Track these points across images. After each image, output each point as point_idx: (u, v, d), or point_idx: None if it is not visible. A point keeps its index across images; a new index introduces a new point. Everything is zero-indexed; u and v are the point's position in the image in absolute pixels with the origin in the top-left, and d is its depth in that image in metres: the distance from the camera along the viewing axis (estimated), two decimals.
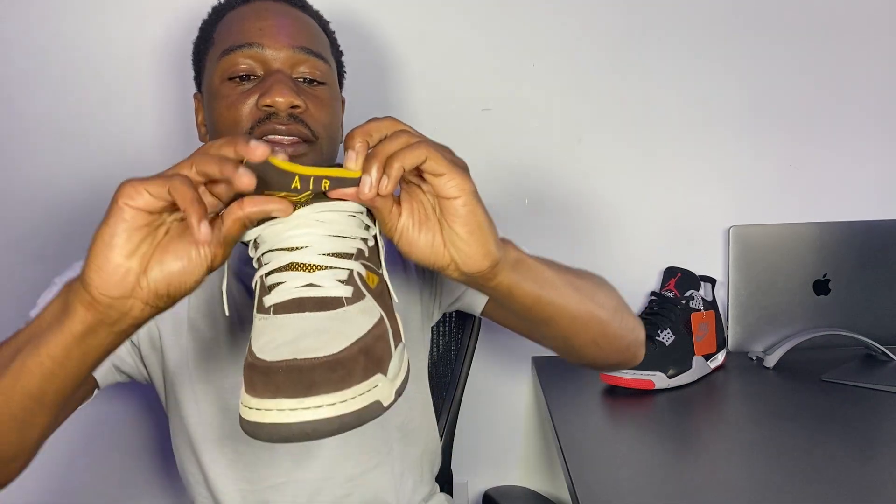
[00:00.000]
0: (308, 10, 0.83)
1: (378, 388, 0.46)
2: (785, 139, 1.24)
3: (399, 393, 0.49)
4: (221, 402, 0.80)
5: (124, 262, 0.49)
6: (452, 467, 1.08)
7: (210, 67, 0.78)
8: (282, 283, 0.49)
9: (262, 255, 0.51)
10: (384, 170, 0.51)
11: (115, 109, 1.15)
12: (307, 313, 0.47)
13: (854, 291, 1.24)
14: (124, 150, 1.16)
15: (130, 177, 0.49)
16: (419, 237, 0.55)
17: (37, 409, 0.55)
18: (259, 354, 0.45)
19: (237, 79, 0.75)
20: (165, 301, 0.52)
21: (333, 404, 0.43)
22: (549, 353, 1.25)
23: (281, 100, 0.71)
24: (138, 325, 0.53)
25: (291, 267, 0.49)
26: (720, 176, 1.25)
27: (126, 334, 0.53)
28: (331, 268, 0.49)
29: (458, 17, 1.18)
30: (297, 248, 0.49)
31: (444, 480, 1.07)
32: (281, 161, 0.50)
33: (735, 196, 1.25)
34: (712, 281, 1.22)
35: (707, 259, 1.25)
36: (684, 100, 1.22)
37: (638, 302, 1.25)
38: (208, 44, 0.80)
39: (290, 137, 0.73)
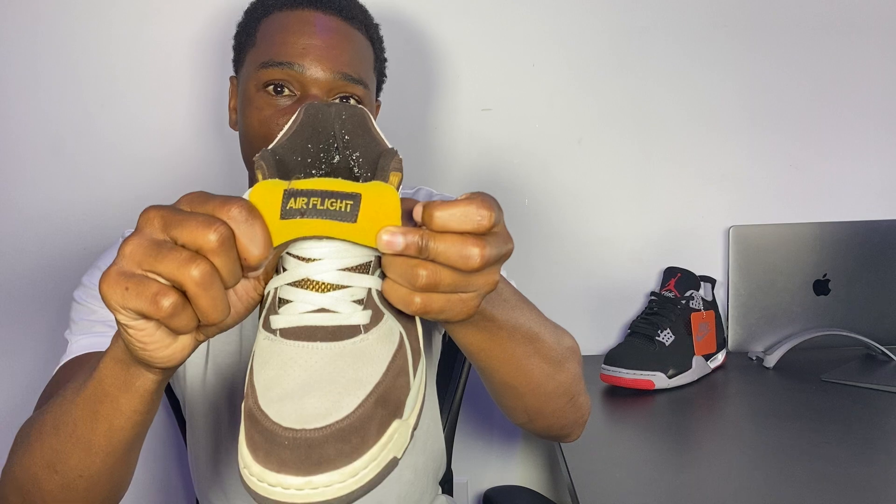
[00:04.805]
0: (357, 20, 0.80)
1: (394, 440, 0.40)
2: (785, 139, 1.24)
3: (415, 428, 0.43)
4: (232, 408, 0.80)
5: (172, 348, 0.44)
6: (452, 467, 1.08)
7: (248, 68, 0.78)
8: (291, 301, 0.43)
9: (282, 257, 0.46)
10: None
11: (114, 111, 1.15)
12: (318, 343, 0.42)
13: (854, 291, 1.24)
14: (127, 151, 1.16)
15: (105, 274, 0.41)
16: None
17: (136, 445, 0.56)
18: (262, 402, 0.40)
19: (272, 90, 0.75)
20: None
21: (345, 481, 0.38)
22: None
23: None
24: None
25: (304, 284, 0.43)
26: (720, 176, 1.25)
27: None
28: (347, 287, 0.44)
29: (458, 17, 1.18)
30: (312, 260, 0.43)
31: (444, 480, 1.07)
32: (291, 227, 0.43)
33: (735, 196, 1.25)
34: (712, 281, 1.22)
35: (707, 259, 1.25)
36: (684, 100, 1.22)
37: (638, 302, 1.25)
38: (251, 39, 0.79)
39: None
